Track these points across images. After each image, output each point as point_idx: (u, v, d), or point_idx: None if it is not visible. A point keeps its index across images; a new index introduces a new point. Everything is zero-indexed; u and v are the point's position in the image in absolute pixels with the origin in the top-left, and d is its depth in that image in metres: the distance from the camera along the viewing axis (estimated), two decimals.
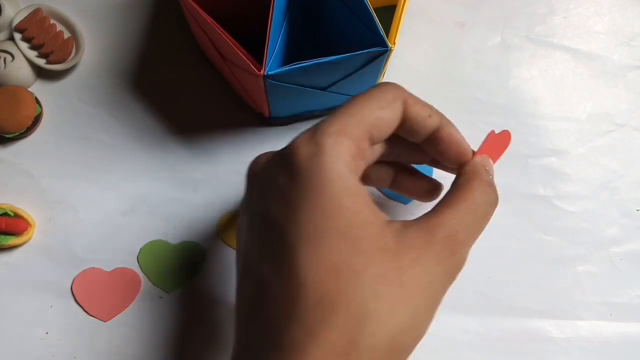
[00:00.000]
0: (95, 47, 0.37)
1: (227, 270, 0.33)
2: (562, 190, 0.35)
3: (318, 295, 0.18)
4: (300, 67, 0.28)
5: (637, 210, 0.35)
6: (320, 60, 0.28)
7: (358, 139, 0.21)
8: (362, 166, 0.22)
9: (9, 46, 0.35)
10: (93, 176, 0.35)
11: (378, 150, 0.25)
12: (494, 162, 0.29)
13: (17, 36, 0.35)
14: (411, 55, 0.37)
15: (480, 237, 0.34)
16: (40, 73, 0.36)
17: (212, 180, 0.35)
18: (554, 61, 0.37)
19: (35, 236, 0.34)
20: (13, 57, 0.35)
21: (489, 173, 0.26)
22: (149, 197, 0.34)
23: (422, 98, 0.36)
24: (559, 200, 0.35)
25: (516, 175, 0.35)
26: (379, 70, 0.31)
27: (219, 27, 0.28)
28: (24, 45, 0.35)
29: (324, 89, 0.32)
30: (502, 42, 0.38)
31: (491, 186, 0.25)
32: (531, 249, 0.34)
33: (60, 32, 0.35)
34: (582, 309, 0.33)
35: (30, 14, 0.35)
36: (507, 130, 0.28)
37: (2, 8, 0.35)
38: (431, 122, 0.24)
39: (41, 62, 0.35)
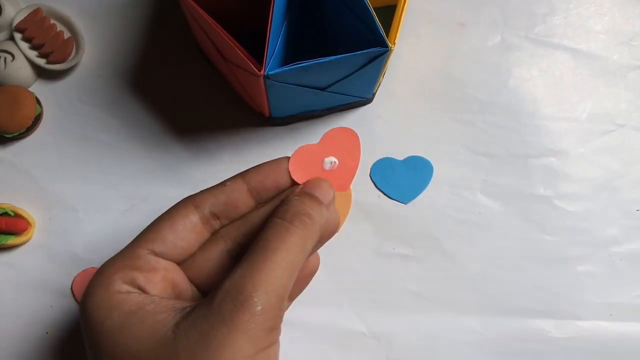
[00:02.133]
0: (96, 47, 0.37)
1: None
2: (562, 190, 0.35)
3: None
4: (300, 67, 0.28)
5: (637, 210, 0.35)
6: (321, 60, 0.28)
7: (128, 271, 0.22)
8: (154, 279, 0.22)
9: (10, 46, 0.35)
10: (93, 176, 0.35)
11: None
12: (348, 170, 0.25)
13: (18, 36, 0.35)
14: (411, 55, 0.37)
15: (480, 237, 0.34)
16: (41, 73, 0.36)
17: (211, 180, 0.35)
18: (554, 61, 0.37)
19: (35, 236, 0.34)
20: (13, 57, 0.35)
21: (312, 209, 0.22)
22: (149, 197, 0.34)
23: (422, 98, 0.36)
24: (559, 200, 0.35)
25: (516, 176, 0.35)
26: (379, 70, 0.31)
27: (219, 26, 0.28)
28: (24, 45, 0.35)
29: (324, 89, 0.32)
30: (502, 42, 0.38)
31: (309, 227, 0.22)
32: (531, 249, 0.34)
33: (61, 32, 0.35)
34: (582, 309, 0.33)
35: (30, 13, 0.35)
36: (348, 129, 0.25)
37: (2, 8, 0.35)
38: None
39: (41, 62, 0.35)
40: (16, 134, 0.34)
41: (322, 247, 0.34)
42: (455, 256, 0.34)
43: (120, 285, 0.21)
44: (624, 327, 0.33)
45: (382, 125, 0.36)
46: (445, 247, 0.34)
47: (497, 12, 0.39)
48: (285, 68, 0.28)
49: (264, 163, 0.23)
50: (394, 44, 0.29)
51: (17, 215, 0.33)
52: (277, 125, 0.36)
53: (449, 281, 0.33)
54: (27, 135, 0.35)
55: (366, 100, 0.36)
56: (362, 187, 0.35)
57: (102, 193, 0.35)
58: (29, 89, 0.35)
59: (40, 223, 0.34)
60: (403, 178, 0.35)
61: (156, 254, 0.22)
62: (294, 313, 0.32)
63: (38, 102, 0.35)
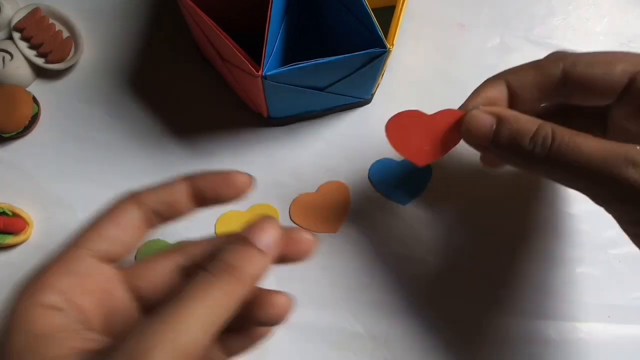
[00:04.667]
0: (94, 46, 0.37)
1: None
2: (561, 192, 0.35)
3: None
4: (298, 67, 0.28)
5: None
6: (319, 61, 0.28)
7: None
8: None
9: (8, 45, 0.35)
10: (91, 175, 0.35)
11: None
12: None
13: (16, 35, 0.35)
14: (410, 56, 0.37)
15: (479, 238, 0.34)
16: (39, 72, 0.36)
17: None
18: None
19: (33, 235, 0.34)
20: (12, 56, 0.35)
21: (243, 260, 0.20)
22: None
23: (421, 99, 0.36)
24: (558, 202, 0.35)
25: (515, 177, 0.35)
26: (378, 71, 0.31)
27: (218, 27, 0.28)
28: (22, 45, 0.35)
29: (322, 89, 0.32)
30: (502, 43, 0.38)
31: (235, 282, 0.19)
32: (529, 250, 0.34)
33: (59, 31, 0.35)
34: (580, 311, 0.33)
35: (29, 13, 0.35)
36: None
37: (1, 7, 0.35)
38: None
39: (40, 61, 0.35)
40: (13, 133, 0.34)
41: (320, 248, 0.34)
42: (453, 257, 0.34)
43: (46, 297, 0.20)
44: (621, 329, 0.33)
45: (381, 126, 0.36)
46: (443, 248, 0.34)
47: (496, 13, 0.39)
48: (283, 69, 0.27)
49: (213, 172, 0.22)
50: (393, 45, 0.29)
51: (15, 215, 0.33)
52: (275, 126, 0.36)
53: (447, 282, 0.33)
54: (25, 134, 0.35)
55: (365, 101, 0.36)
56: (360, 188, 0.35)
57: (100, 192, 0.34)
58: (27, 88, 0.35)
59: (38, 222, 0.34)
60: (402, 179, 0.35)
61: (98, 253, 0.21)
62: (291, 314, 0.32)
63: (35, 101, 0.35)
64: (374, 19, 0.28)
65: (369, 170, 0.35)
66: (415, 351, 0.32)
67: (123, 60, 0.37)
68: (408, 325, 0.32)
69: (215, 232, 0.34)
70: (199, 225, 0.34)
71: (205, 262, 0.19)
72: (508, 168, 0.36)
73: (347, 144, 0.36)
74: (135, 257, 0.33)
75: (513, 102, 0.25)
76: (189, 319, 0.17)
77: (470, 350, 0.32)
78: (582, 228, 0.34)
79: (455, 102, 0.37)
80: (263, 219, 0.20)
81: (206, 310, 0.18)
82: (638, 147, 0.21)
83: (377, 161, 0.35)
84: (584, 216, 0.35)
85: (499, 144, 0.23)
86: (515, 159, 0.24)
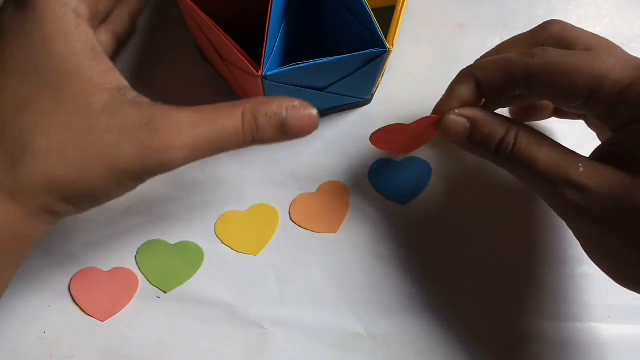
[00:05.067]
0: None
1: (225, 270, 0.33)
2: None
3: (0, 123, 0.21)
4: (298, 67, 0.28)
5: None
6: (319, 62, 0.28)
7: None
8: (96, 9, 0.24)
9: None
10: None
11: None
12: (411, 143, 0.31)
13: None
14: (410, 56, 0.37)
15: (478, 238, 0.34)
16: None
17: (210, 179, 0.35)
18: None
19: None
20: None
21: (269, 131, 0.24)
22: (147, 197, 0.34)
23: (421, 99, 0.36)
24: None
25: (514, 177, 0.35)
26: (378, 71, 0.31)
27: (217, 27, 0.28)
28: None
29: (322, 89, 0.32)
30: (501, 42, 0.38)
31: (247, 125, 0.24)
32: (529, 250, 0.34)
33: None
34: (580, 311, 0.33)
35: None
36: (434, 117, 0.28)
37: None
38: None
39: None
40: None
41: (320, 248, 0.34)
42: (453, 257, 0.34)
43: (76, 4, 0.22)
44: (621, 329, 0.33)
45: (381, 125, 0.36)
46: (443, 249, 0.34)
47: (496, 13, 0.39)
48: (284, 69, 0.28)
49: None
50: (393, 45, 0.29)
51: None
52: None
53: (447, 282, 0.33)
54: None
55: (365, 101, 0.36)
56: (360, 188, 0.35)
57: None
58: None
59: None
60: (401, 179, 0.35)
61: None
62: (291, 314, 0.33)
63: None
64: (374, 19, 0.28)
65: (369, 170, 0.35)
66: (415, 351, 0.32)
67: (122, 60, 0.37)
68: (408, 325, 0.32)
69: (215, 232, 0.34)
70: (199, 225, 0.34)
71: (256, 102, 0.24)
72: (505, 170, 0.36)
73: (347, 144, 0.36)
74: (136, 257, 0.33)
75: (481, 96, 0.27)
76: (199, 123, 0.22)
77: (470, 350, 0.32)
78: None
79: None
80: (305, 112, 0.25)
81: (215, 126, 0.23)
82: (580, 165, 0.23)
83: (377, 161, 0.35)
84: None
85: (471, 143, 0.26)
86: (485, 155, 0.26)
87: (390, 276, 0.33)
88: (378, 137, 0.30)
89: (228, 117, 0.23)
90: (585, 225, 0.24)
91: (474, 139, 0.26)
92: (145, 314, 0.32)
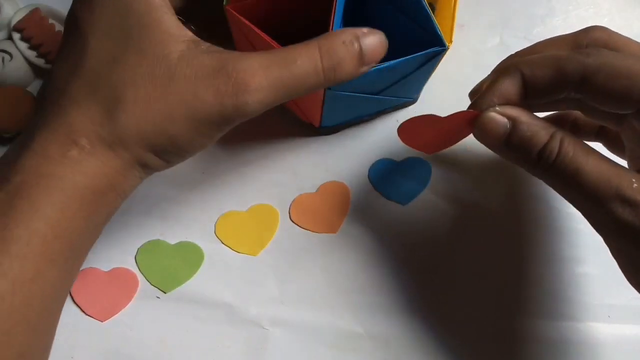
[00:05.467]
0: None
1: (225, 270, 0.33)
2: None
3: (91, 78, 0.22)
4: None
5: None
6: (381, 66, 0.27)
7: None
8: None
9: (8, 46, 0.35)
10: None
11: None
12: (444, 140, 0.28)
13: (16, 36, 0.35)
14: None
15: (478, 238, 0.34)
16: (39, 73, 0.36)
17: (210, 179, 0.35)
18: None
19: None
20: (12, 56, 0.35)
21: (345, 67, 0.24)
22: (147, 197, 0.34)
23: (421, 99, 0.36)
24: (557, 201, 0.35)
25: (515, 177, 0.35)
26: (432, 69, 0.31)
27: (271, 39, 0.27)
28: (22, 45, 0.35)
29: (377, 93, 0.31)
30: (501, 43, 0.38)
31: (326, 60, 0.23)
32: (529, 250, 0.34)
33: (59, 31, 0.35)
34: (579, 311, 0.33)
35: (29, 13, 0.35)
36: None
37: (1, 8, 0.35)
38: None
39: (40, 62, 0.35)
40: (14, 133, 0.34)
41: (320, 248, 0.34)
42: (453, 257, 0.34)
43: None
44: (621, 329, 0.33)
45: (380, 125, 0.36)
46: (443, 248, 0.34)
47: (496, 13, 0.39)
48: None
49: None
50: (451, 42, 0.28)
51: None
52: (324, 135, 0.35)
53: (447, 282, 0.33)
54: None
55: (411, 101, 0.36)
56: (360, 188, 0.35)
57: None
58: (27, 88, 0.35)
59: None
60: (401, 179, 0.35)
61: None
62: (291, 314, 0.33)
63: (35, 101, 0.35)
64: (433, 17, 0.27)
65: (369, 170, 0.35)
66: (415, 351, 0.32)
67: None
68: (408, 326, 0.32)
69: (215, 232, 0.34)
70: (199, 225, 0.34)
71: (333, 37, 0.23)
72: (507, 169, 0.36)
73: (347, 144, 0.36)
74: (136, 257, 0.33)
75: (526, 92, 0.24)
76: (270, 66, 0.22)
77: (470, 350, 0.32)
78: (582, 228, 0.34)
79: (454, 101, 0.37)
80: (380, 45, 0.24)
81: (290, 67, 0.23)
82: (634, 180, 0.21)
83: (377, 161, 0.35)
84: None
85: (509, 148, 0.24)
86: (522, 163, 0.24)
87: (390, 276, 0.33)
88: (407, 128, 0.27)
89: (304, 55, 0.23)
90: (630, 244, 0.22)
91: (513, 143, 0.23)
92: (145, 314, 0.32)
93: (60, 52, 0.24)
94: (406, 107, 0.36)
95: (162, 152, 0.23)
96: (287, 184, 0.35)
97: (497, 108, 0.24)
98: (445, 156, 0.36)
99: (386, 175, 0.35)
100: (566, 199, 0.24)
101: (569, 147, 0.22)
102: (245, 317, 0.32)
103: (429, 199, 0.35)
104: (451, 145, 0.30)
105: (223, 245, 0.34)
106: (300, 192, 0.35)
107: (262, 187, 0.35)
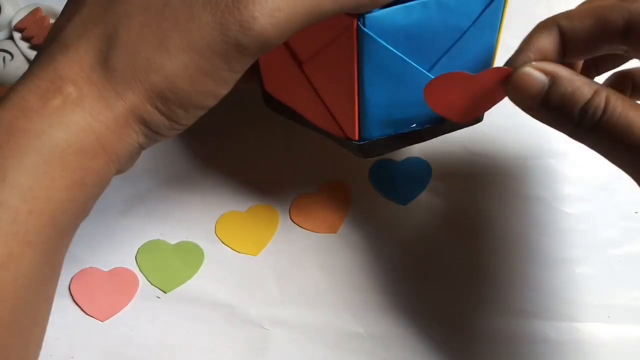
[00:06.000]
0: None
1: (226, 270, 0.33)
2: (560, 192, 0.35)
3: (84, 20, 0.19)
4: (404, 7, 0.22)
5: (636, 212, 0.35)
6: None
7: None
8: None
9: (9, 45, 0.35)
10: None
11: None
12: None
13: (17, 35, 0.35)
14: None
15: (478, 238, 0.34)
16: None
17: (210, 179, 0.35)
18: None
19: None
20: (12, 56, 0.35)
21: None
22: (147, 197, 0.34)
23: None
24: (557, 201, 0.35)
25: (514, 177, 0.35)
26: (497, 27, 0.26)
27: None
28: (23, 45, 0.35)
29: (429, 69, 0.25)
30: (501, 43, 0.38)
31: None
32: (529, 251, 0.34)
33: None
34: (579, 311, 0.33)
35: (29, 13, 0.35)
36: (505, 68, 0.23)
37: (1, 7, 0.35)
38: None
39: None
40: None
41: (320, 248, 0.34)
42: (452, 257, 0.34)
43: None
44: (621, 329, 0.32)
45: None
46: (442, 249, 0.34)
47: None
48: (384, 10, 0.21)
49: None
50: None
51: None
52: (368, 156, 0.29)
53: (447, 282, 0.33)
54: None
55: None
56: (360, 188, 0.35)
57: (106, 193, 0.35)
58: None
59: None
60: (401, 179, 0.35)
61: None
62: (291, 314, 0.33)
63: None
64: None
65: (369, 170, 0.35)
66: (415, 351, 0.32)
67: None
68: (408, 325, 0.32)
69: (215, 233, 0.34)
70: (199, 225, 0.34)
71: None
72: (507, 169, 0.36)
73: None
74: (136, 257, 0.33)
75: (563, 50, 0.22)
76: None
77: (470, 351, 0.32)
78: (582, 228, 0.34)
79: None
80: None
81: None
82: None
83: (377, 161, 0.35)
84: (583, 216, 0.35)
85: (548, 106, 0.21)
86: (561, 124, 0.22)
87: (390, 276, 0.33)
88: (435, 88, 0.24)
89: None
90: None
91: (552, 101, 0.21)
92: (145, 314, 0.32)
93: (63, 9, 0.21)
94: (467, 124, 0.30)
95: (161, 100, 0.19)
96: (287, 184, 0.35)
97: (534, 64, 0.21)
98: (446, 156, 0.36)
99: (386, 175, 0.35)
100: (614, 161, 0.21)
101: (617, 103, 0.20)
102: (245, 317, 0.32)
103: (429, 199, 0.35)
104: (483, 111, 0.26)
105: (223, 245, 0.34)
106: (301, 192, 0.35)
107: (262, 187, 0.35)
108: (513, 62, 0.22)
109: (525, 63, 0.22)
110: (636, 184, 0.22)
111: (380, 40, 0.22)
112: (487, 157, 0.36)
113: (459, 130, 0.36)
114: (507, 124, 0.36)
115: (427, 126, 0.28)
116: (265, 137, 0.36)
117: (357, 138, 0.27)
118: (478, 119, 0.30)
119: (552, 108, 0.21)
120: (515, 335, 0.32)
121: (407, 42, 0.23)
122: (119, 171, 0.22)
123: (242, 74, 0.20)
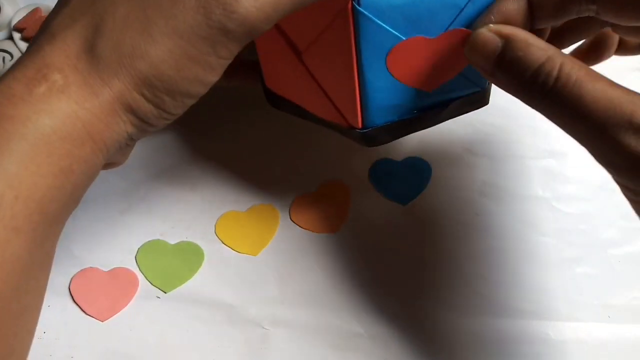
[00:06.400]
0: None
1: (226, 270, 0.33)
2: (560, 192, 0.35)
3: (72, 11, 0.19)
4: None
5: None
6: None
7: None
8: None
9: (8, 45, 0.35)
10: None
11: None
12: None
13: (16, 35, 0.35)
14: None
15: (478, 239, 0.34)
16: None
17: (210, 179, 0.35)
18: None
19: None
20: (12, 56, 0.35)
21: None
22: (147, 196, 0.34)
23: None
24: (557, 201, 0.35)
25: (514, 177, 0.35)
26: (494, 2, 0.23)
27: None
28: (23, 45, 0.35)
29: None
30: None
31: None
32: (529, 251, 0.34)
33: None
34: (579, 311, 0.33)
35: (29, 13, 0.35)
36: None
37: (1, 7, 0.35)
38: None
39: None
40: None
41: (320, 248, 0.34)
42: (452, 257, 0.34)
43: None
44: (621, 329, 0.32)
45: None
46: (443, 248, 0.34)
47: None
48: None
49: None
50: None
51: None
52: (371, 145, 0.28)
53: (447, 282, 0.33)
54: None
55: (480, 94, 0.28)
56: (360, 188, 0.35)
57: (100, 193, 0.35)
58: None
59: None
60: (401, 179, 0.35)
61: None
62: (291, 314, 0.33)
63: None
64: None
65: (369, 170, 0.35)
66: (416, 351, 0.32)
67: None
68: (408, 326, 0.32)
69: (215, 232, 0.34)
70: (199, 225, 0.34)
71: None
72: (507, 169, 0.36)
73: (347, 144, 0.36)
74: (136, 257, 0.33)
75: (532, 14, 0.22)
76: None
77: (470, 350, 0.32)
78: (582, 228, 0.34)
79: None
80: None
81: None
82: None
83: (377, 161, 0.35)
84: (584, 216, 0.35)
85: (500, 69, 0.21)
86: (516, 90, 0.21)
87: (390, 276, 0.33)
88: (395, 56, 0.23)
89: None
90: None
91: (504, 64, 0.20)
92: (145, 314, 0.32)
93: (56, 3, 0.21)
94: (474, 105, 0.29)
95: (147, 87, 0.19)
96: (287, 184, 0.35)
97: (491, 26, 0.21)
98: (446, 156, 0.36)
99: (386, 175, 0.35)
100: (567, 131, 0.21)
101: (572, 71, 0.19)
102: (245, 317, 0.32)
103: (429, 199, 0.35)
104: (450, 77, 0.25)
105: (223, 245, 0.34)
106: (300, 192, 0.35)
107: (262, 187, 0.35)
108: (474, 24, 0.22)
109: (485, 25, 0.21)
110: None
111: (377, 20, 0.22)
112: (487, 157, 0.36)
113: (459, 130, 0.36)
114: (507, 124, 0.36)
115: (430, 111, 0.27)
116: (265, 137, 0.36)
117: (360, 126, 0.26)
118: (483, 102, 0.29)
119: (504, 71, 0.21)
120: (515, 335, 0.32)
121: (404, 22, 0.22)
122: (112, 163, 0.22)
123: (231, 59, 0.20)
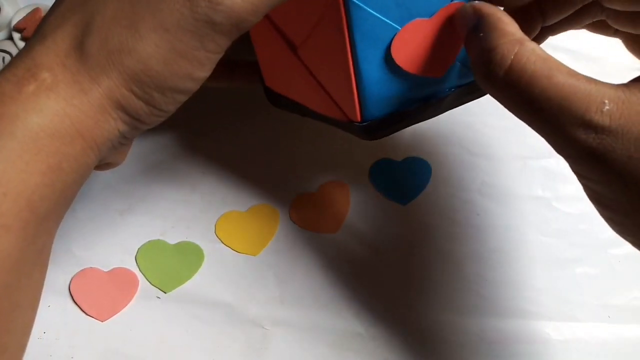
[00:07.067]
0: None
1: (226, 270, 0.33)
2: (560, 192, 0.35)
3: (63, 11, 0.20)
4: None
5: None
6: None
7: None
8: None
9: (8, 46, 0.35)
10: (91, 175, 0.35)
11: None
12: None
13: (16, 36, 0.35)
14: None
15: (478, 239, 0.34)
16: None
17: (210, 179, 0.35)
18: None
19: None
20: (12, 56, 0.35)
21: None
22: (147, 197, 0.34)
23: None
24: (557, 201, 0.35)
25: (514, 177, 0.35)
26: None
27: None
28: (23, 45, 0.35)
29: None
30: None
31: None
32: (529, 251, 0.34)
33: None
34: (579, 311, 0.33)
35: (29, 13, 0.35)
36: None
37: (1, 7, 0.35)
38: None
39: None
40: None
41: (320, 248, 0.34)
42: (453, 257, 0.34)
43: None
44: (621, 329, 0.32)
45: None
46: (443, 248, 0.34)
47: None
48: None
49: None
50: None
51: None
52: (371, 138, 0.27)
53: (447, 282, 0.33)
54: None
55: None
56: (360, 188, 0.35)
57: (100, 193, 0.35)
58: None
59: None
60: (401, 179, 0.35)
61: None
62: (291, 314, 0.33)
63: None
64: None
65: (369, 170, 0.35)
66: (416, 352, 0.32)
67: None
68: (408, 325, 0.32)
69: (215, 232, 0.34)
70: (199, 225, 0.34)
71: None
72: (507, 169, 0.36)
73: (347, 144, 0.36)
74: (136, 257, 0.33)
75: (542, 10, 0.21)
76: None
77: (470, 350, 0.32)
78: (582, 228, 0.34)
79: None
80: None
81: None
82: (606, 102, 0.18)
83: (377, 161, 0.35)
84: (584, 216, 0.35)
85: (467, 47, 0.20)
86: (477, 71, 0.20)
87: (391, 276, 0.33)
88: (400, 45, 0.22)
89: None
90: (594, 172, 0.19)
91: (468, 42, 0.20)
92: (145, 314, 0.32)
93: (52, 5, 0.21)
94: (473, 94, 0.28)
95: (137, 84, 0.19)
96: (287, 184, 0.35)
97: (476, 2, 0.20)
98: (446, 156, 0.36)
99: (386, 175, 0.35)
100: (521, 119, 0.20)
101: (527, 65, 0.18)
102: (245, 317, 0.32)
103: (429, 199, 0.35)
104: (453, 57, 0.24)
105: (223, 245, 0.34)
106: (300, 192, 0.35)
107: (262, 187, 0.35)
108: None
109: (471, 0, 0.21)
110: None
111: (368, 8, 0.21)
112: (487, 157, 0.36)
113: (459, 131, 0.36)
114: (507, 124, 0.36)
115: (429, 102, 0.26)
116: (265, 137, 0.36)
117: (359, 119, 0.26)
118: (482, 91, 0.27)
119: (468, 48, 0.20)
120: (515, 335, 0.32)
121: (397, 9, 0.22)
122: (111, 164, 0.21)
123: (220, 54, 0.19)
